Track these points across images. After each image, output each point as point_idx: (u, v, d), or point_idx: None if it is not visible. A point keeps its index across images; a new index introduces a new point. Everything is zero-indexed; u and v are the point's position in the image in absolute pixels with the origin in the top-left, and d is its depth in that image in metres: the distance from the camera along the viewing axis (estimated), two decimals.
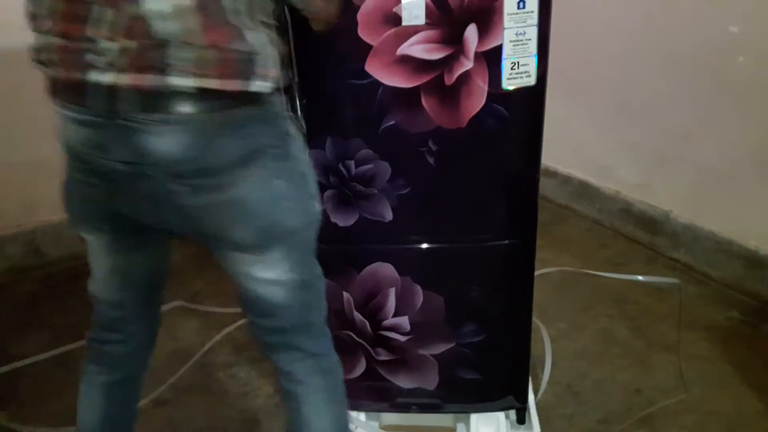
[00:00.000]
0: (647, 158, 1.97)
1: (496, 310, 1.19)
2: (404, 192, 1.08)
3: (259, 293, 0.87)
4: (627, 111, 1.99)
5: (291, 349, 0.92)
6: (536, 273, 1.81)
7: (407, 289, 1.14)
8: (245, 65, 0.72)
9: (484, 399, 1.25)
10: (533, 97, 1.03)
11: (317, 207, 0.89)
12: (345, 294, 1.16)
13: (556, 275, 1.87)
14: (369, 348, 1.20)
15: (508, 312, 1.20)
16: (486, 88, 1.00)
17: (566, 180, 2.30)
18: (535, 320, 1.61)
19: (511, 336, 1.21)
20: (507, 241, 1.13)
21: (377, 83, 1.00)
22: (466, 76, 0.99)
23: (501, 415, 1.27)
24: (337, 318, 1.18)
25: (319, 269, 0.92)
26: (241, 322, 1.77)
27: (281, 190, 0.80)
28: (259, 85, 0.73)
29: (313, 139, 1.06)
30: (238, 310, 1.80)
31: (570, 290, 1.82)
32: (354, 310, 1.17)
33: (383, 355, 1.20)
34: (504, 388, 1.24)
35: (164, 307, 1.80)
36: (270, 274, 0.85)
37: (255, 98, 0.74)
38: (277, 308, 0.88)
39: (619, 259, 1.97)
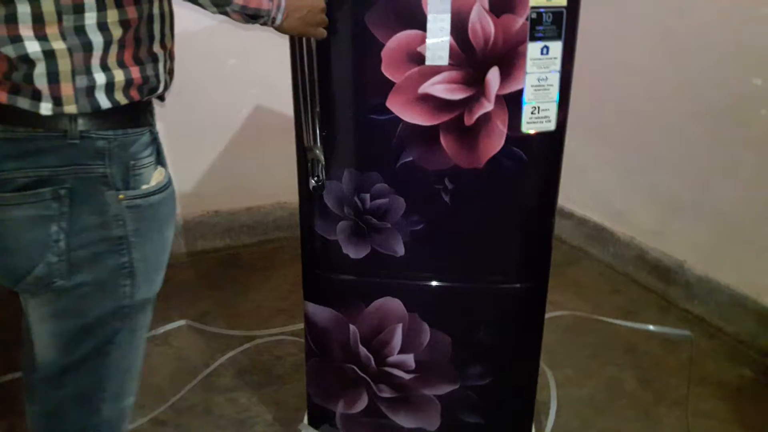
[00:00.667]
0: (665, 206, 1.96)
1: (503, 353, 1.17)
2: (418, 228, 1.08)
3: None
4: (647, 157, 1.98)
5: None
6: (546, 316, 1.79)
7: (414, 327, 1.13)
8: (16, 76, 0.63)
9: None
10: (552, 142, 1.04)
11: (134, 294, 0.74)
12: (351, 327, 1.15)
13: (566, 319, 1.84)
14: (372, 384, 1.18)
15: (515, 356, 1.18)
16: (505, 130, 1.00)
17: (582, 222, 2.29)
18: (542, 365, 1.59)
19: (518, 380, 1.19)
20: (519, 285, 1.12)
21: (397, 120, 1.01)
22: (485, 118, 1.00)
23: None
24: (342, 351, 1.17)
25: (117, 381, 0.79)
26: (247, 346, 1.76)
27: (53, 240, 0.67)
28: (37, 105, 0.63)
29: (330, 170, 1.06)
30: (245, 332, 1.81)
31: (579, 335, 1.79)
32: (359, 344, 1.16)
33: (386, 392, 1.18)
34: (508, 427, 1.22)
35: (170, 326, 1.83)
36: (33, 326, 0.74)
37: (41, 120, 0.64)
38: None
39: (631, 306, 1.94)
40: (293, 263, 1.16)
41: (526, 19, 0.93)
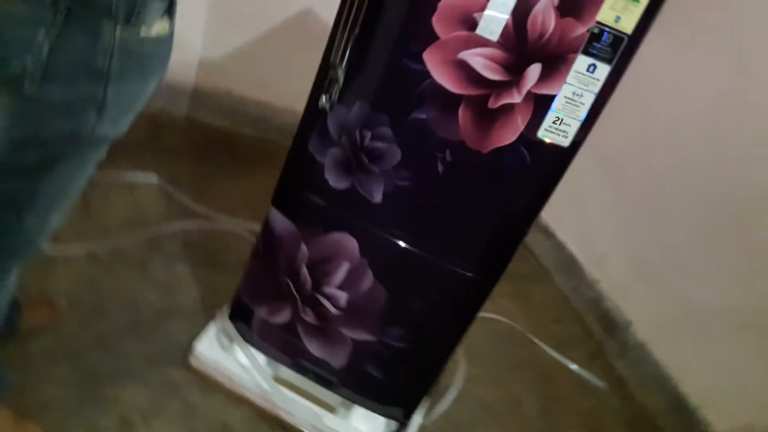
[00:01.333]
0: (641, 267, 1.98)
1: (429, 328, 1.20)
2: (402, 184, 1.08)
3: None
4: (647, 216, 1.98)
5: None
6: (487, 315, 1.83)
7: (360, 271, 1.15)
8: None
9: (375, 399, 1.27)
10: (560, 158, 1.03)
11: (96, 127, 0.73)
12: (303, 246, 1.17)
13: (502, 325, 1.88)
14: (300, 304, 1.21)
15: (438, 335, 1.21)
16: (522, 128, 1.00)
17: (559, 246, 2.31)
18: (461, 356, 1.63)
19: (430, 357, 1.23)
20: (471, 274, 1.14)
21: (427, 74, 0.99)
22: (508, 108, 0.99)
23: (382, 420, 1.29)
24: (286, 264, 1.19)
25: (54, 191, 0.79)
26: (204, 225, 1.78)
27: (37, 44, 0.66)
28: None
29: (344, 95, 1.05)
30: (208, 212, 1.83)
31: (508, 345, 1.84)
32: (303, 265, 1.18)
33: (309, 317, 1.21)
34: (398, 398, 1.26)
35: (141, 177, 1.84)
36: None
37: None
38: None
39: (566, 340, 1.98)
40: (279, 170, 1.18)
41: (587, 31, 0.91)
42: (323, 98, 1.06)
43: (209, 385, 1.32)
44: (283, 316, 1.23)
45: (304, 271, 1.18)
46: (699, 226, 1.79)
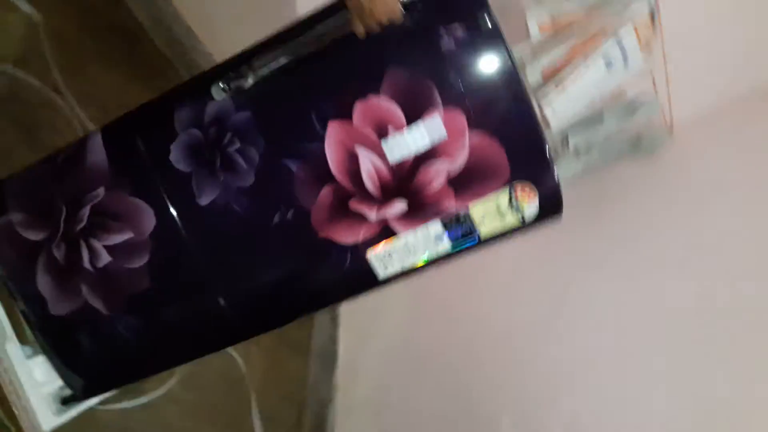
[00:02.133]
0: (379, 403, 2.02)
1: (165, 338, 1.14)
2: (234, 208, 1.04)
3: None
4: (412, 371, 2.01)
5: None
6: (233, 354, 1.77)
7: (138, 250, 1.07)
8: None
9: (66, 361, 1.15)
10: (370, 283, 1.05)
11: None
12: (101, 189, 1.06)
13: (237, 371, 1.82)
14: (59, 237, 1.09)
15: (169, 349, 1.16)
16: (359, 240, 1.01)
17: (333, 338, 2.28)
18: (177, 372, 1.55)
19: (146, 361, 1.16)
20: (232, 315, 1.09)
21: (321, 138, 0.98)
22: (360, 218, 1.00)
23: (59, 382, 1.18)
24: (73, 192, 1.08)
25: None
26: (47, 95, 1.59)
27: None
28: None
29: (239, 96, 1.01)
30: (63, 84, 1.63)
31: (228, 389, 1.79)
32: (89, 205, 1.07)
33: (59, 254, 1.09)
34: (88, 375, 1.16)
35: (23, 7, 1.62)
36: None
37: None
38: None
39: (277, 419, 1.94)
40: (155, 97, 1.08)
41: (456, 211, 0.96)
42: (219, 84, 1.01)
43: None
44: (33, 235, 1.10)
45: (86, 211, 1.08)
46: (444, 413, 1.89)
